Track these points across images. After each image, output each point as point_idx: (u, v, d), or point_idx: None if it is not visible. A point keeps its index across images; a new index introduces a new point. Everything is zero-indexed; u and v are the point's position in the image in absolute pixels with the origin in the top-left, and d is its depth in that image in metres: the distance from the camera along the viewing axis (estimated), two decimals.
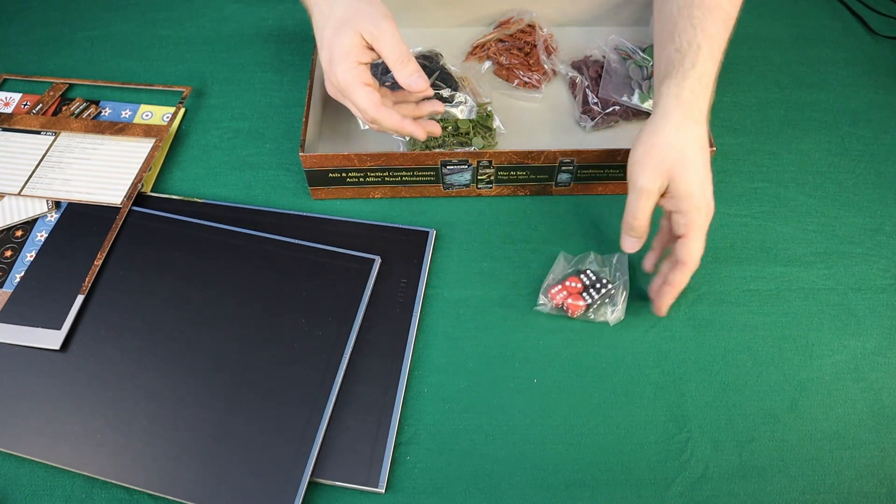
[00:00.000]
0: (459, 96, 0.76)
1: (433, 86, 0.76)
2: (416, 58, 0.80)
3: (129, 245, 0.70)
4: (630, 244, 0.62)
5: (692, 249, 0.58)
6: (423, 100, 0.67)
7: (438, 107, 0.67)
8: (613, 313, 0.65)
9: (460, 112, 0.75)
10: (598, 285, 0.66)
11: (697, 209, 0.57)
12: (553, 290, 0.66)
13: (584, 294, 0.66)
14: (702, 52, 0.59)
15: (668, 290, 0.61)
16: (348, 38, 0.59)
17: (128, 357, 0.62)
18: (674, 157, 0.57)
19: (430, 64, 0.80)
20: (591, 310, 0.65)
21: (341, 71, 0.60)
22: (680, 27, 0.61)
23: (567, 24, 0.89)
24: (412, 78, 0.60)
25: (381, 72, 0.78)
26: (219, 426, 0.59)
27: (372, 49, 0.60)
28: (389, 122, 0.61)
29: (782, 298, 0.68)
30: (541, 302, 0.66)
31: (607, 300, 0.66)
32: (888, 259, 0.71)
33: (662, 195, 0.59)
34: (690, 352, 0.65)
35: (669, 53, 0.61)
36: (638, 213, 0.59)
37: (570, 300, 0.65)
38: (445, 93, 0.76)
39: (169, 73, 0.87)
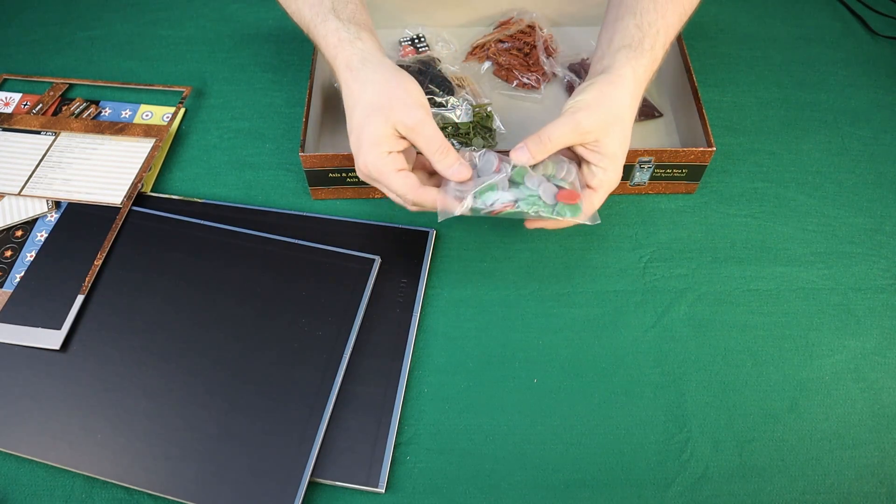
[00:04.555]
0: (454, 101, 0.76)
1: (427, 91, 0.76)
2: (413, 64, 0.80)
3: (129, 245, 0.70)
4: (523, 156, 0.59)
5: (594, 204, 0.62)
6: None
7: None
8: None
9: (455, 117, 0.75)
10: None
11: (616, 170, 0.60)
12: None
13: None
14: (659, 38, 0.62)
15: (553, 224, 0.63)
16: (380, 128, 0.56)
17: (128, 357, 0.62)
18: (617, 118, 0.59)
19: (425, 69, 0.80)
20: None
21: (372, 160, 0.57)
22: (642, 5, 0.62)
23: (567, 24, 0.89)
24: (453, 169, 0.58)
25: None
26: (219, 426, 0.59)
27: (404, 138, 0.57)
28: (431, 202, 0.59)
29: (782, 298, 0.68)
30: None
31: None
32: (888, 259, 0.71)
33: (585, 146, 0.59)
34: (690, 352, 0.65)
35: (628, 25, 0.62)
36: (557, 141, 0.59)
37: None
38: (439, 98, 0.76)
39: (169, 73, 0.87)
